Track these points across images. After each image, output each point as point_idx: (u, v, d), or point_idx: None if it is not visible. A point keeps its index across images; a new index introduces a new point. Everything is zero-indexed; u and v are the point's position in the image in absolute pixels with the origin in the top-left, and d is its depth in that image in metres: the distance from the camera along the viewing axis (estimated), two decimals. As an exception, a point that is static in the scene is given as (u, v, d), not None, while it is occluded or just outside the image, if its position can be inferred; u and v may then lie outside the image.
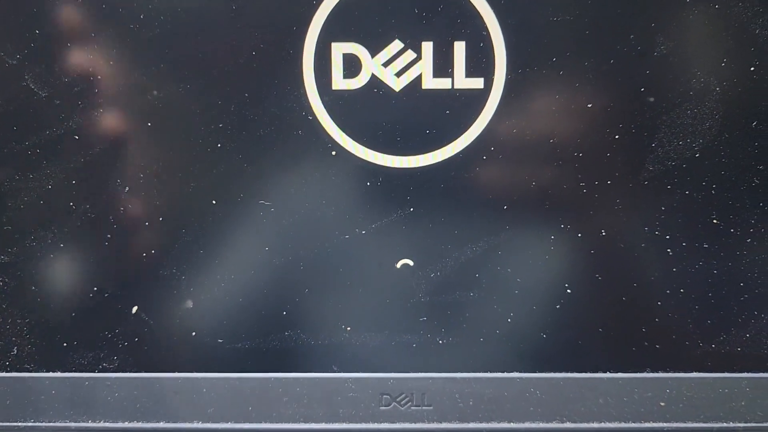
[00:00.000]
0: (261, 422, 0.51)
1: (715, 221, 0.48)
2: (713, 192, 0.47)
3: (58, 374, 0.51)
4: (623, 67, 0.46)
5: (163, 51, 0.47)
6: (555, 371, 0.50)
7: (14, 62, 0.47)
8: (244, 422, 0.51)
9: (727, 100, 0.46)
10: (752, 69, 0.46)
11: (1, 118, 0.48)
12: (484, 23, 0.45)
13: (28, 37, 0.47)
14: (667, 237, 0.48)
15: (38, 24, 0.47)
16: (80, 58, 0.47)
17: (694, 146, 0.47)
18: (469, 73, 0.46)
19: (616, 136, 0.47)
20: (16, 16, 0.47)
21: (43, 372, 0.51)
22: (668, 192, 0.48)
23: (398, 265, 0.49)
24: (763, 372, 0.50)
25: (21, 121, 0.48)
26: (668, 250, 0.48)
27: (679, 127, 0.47)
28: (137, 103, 0.47)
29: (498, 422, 0.51)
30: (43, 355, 0.51)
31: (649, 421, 0.50)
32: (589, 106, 0.46)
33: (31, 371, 0.51)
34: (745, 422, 0.50)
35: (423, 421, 0.51)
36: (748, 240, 0.48)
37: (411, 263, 0.49)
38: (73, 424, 0.51)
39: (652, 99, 0.46)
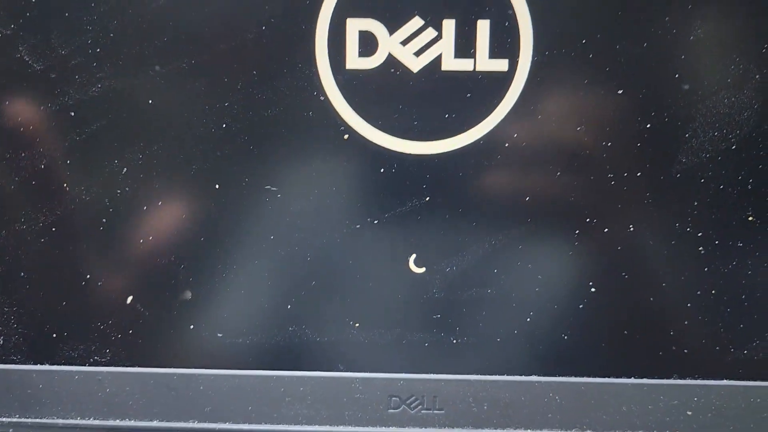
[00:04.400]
0: (261, 423, 0.52)
1: (751, 218, 0.49)
2: (750, 187, 0.48)
3: (47, 367, 0.52)
4: (657, 51, 0.46)
5: (167, 23, 0.47)
6: (576, 375, 0.51)
7: (8, 32, 0.47)
8: (243, 423, 0.52)
9: (767, 88, 0.47)
10: None
11: None
12: (510, 1, 0.46)
13: (24, 6, 0.47)
14: (699, 234, 0.49)
15: None
16: (79, 29, 0.47)
17: (731, 138, 0.47)
18: (493, 54, 0.47)
19: (648, 126, 0.47)
20: None
21: (30, 364, 0.52)
22: (702, 186, 0.48)
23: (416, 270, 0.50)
24: None
25: (14, 95, 0.48)
26: (700, 248, 0.49)
27: (715, 116, 0.47)
28: (138, 78, 0.48)
29: (514, 428, 0.52)
30: (31, 346, 0.52)
31: (675, 431, 0.51)
32: (620, 92, 0.47)
33: (17, 363, 0.52)
34: (778, 434, 0.51)
35: (434, 426, 0.52)
36: None
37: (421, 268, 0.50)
38: (60, 421, 0.53)
39: (686, 86, 0.47)
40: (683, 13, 0.46)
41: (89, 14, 0.47)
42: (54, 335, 0.52)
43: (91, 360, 0.52)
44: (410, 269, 0.50)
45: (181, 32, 0.47)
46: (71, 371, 0.52)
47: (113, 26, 0.47)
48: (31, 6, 0.47)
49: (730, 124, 0.47)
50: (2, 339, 0.52)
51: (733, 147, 0.48)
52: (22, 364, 0.52)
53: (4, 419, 0.53)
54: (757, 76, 0.47)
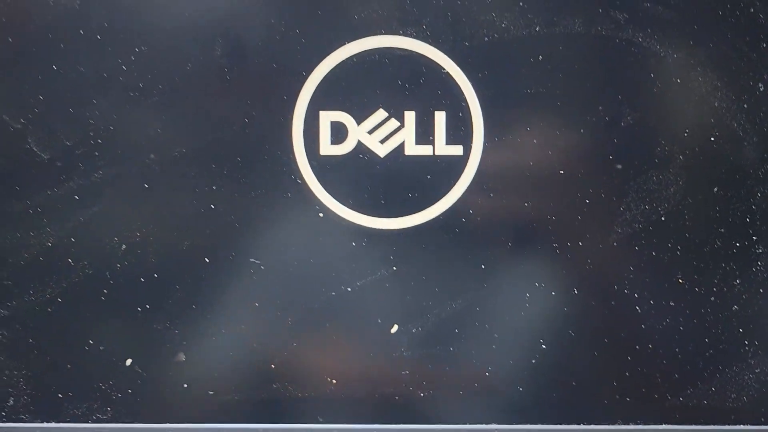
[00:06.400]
0: None
1: (680, 281, 0.52)
2: (678, 253, 0.52)
3: (53, 425, 0.54)
4: (593, 136, 0.51)
5: (160, 117, 0.51)
6: (531, 423, 0.53)
7: (18, 126, 0.51)
8: None
9: (690, 167, 0.51)
10: (712, 139, 0.50)
11: (5, 178, 0.51)
12: (463, 94, 0.50)
13: (32, 103, 0.50)
14: (636, 295, 0.52)
15: (41, 91, 0.50)
16: (82, 123, 0.51)
17: (660, 210, 0.51)
18: (449, 140, 0.51)
19: (587, 201, 0.51)
20: (21, 83, 0.51)
21: (38, 422, 0.54)
22: (636, 253, 0.52)
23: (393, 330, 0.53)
24: (729, 424, 0.53)
25: (23, 181, 0.51)
26: (637, 307, 0.52)
27: (645, 192, 0.51)
28: (135, 166, 0.51)
29: None
30: (39, 405, 0.54)
31: None
32: (561, 172, 0.51)
33: (26, 421, 0.54)
34: (713, 473, 0.54)
35: None
36: (712, 298, 0.52)
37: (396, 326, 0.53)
38: None
39: (619, 166, 0.51)
40: (614, 104, 0.50)
41: (91, 110, 0.50)
42: (59, 395, 0.53)
43: (94, 417, 0.53)
44: (380, 330, 0.53)
45: (172, 125, 0.51)
46: (75, 428, 0.53)
47: (113, 120, 0.51)
48: (39, 103, 0.50)
49: (658, 198, 0.51)
50: (12, 400, 0.53)
51: (662, 218, 0.51)
52: (29, 422, 0.53)
53: (13, 474, 0.55)
54: (680, 157, 0.51)
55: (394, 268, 0.53)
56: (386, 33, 0.51)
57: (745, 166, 0.51)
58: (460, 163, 0.51)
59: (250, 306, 0.53)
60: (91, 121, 0.51)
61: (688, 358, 0.53)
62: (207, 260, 0.53)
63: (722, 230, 0.52)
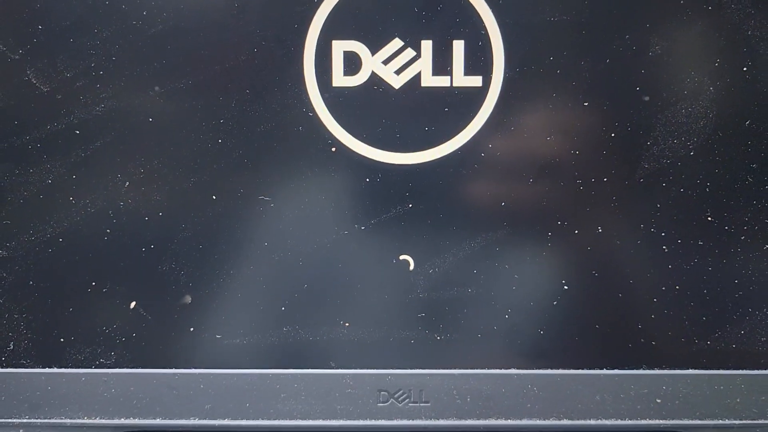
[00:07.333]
0: (258, 419, 0.55)
1: (709, 218, 0.53)
2: (708, 190, 0.52)
3: (55, 370, 0.55)
4: (619, 66, 0.51)
5: (165, 47, 0.51)
6: (552, 368, 0.55)
7: (17, 57, 0.51)
8: (241, 419, 0.55)
9: (721, 99, 0.51)
10: (745, 69, 0.50)
11: (3, 112, 0.52)
12: (483, 22, 0.50)
13: (31, 33, 0.51)
14: (663, 234, 0.53)
15: (41, 19, 0.50)
16: (83, 53, 0.51)
17: (689, 144, 0.52)
18: (468, 71, 0.51)
19: (612, 134, 0.52)
20: (20, 12, 0.50)
21: (39, 368, 0.55)
22: (663, 190, 0.52)
23: (399, 258, 0.53)
24: (758, 369, 0.54)
25: (22, 115, 0.52)
26: (663, 247, 0.53)
27: (674, 125, 0.51)
28: (139, 98, 0.51)
29: (495, 419, 0.55)
30: (40, 350, 0.55)
31: (645, 418, 0.55)
32: (586, 104, 0.51)
33: (27, 367, 0.55)
34: (741, 419, 0.55)
35: (420, 418, 0.55)
36: (742, 237, 0.53)
37: (410, 260, 0.54)
38: (68, 421, 0.55)
39: (647, 98, 0.51)
40: (642, 31, 0.50)
41: (92, 40, 0.51)
42: (61, 340, 0.55)
43: (97, 362, 0.55)
44: (395, 271, 0.53)
45: (178, 55, 0.51)
46: (78, 373, 0.55)
47: (115, 50, 0.51)
48: (38, 32, 0.50)
49: (687, 132, 0.51)
50: (12, 344, 0.55)
51: (691, 153, 0.52)
52: (31, 367, 0.55)
53: (14, 420, 0.55)
54: (711, 89, 0.51)
55: (410, 205, 0.53)
56: (402, -42, 0.50)
57: (779, 97, 0.51)
58: (479, 95, 0.51)
59: (259, 246, 0.54)
60: (93, 52, 0.51)
61: (717, 300, 0.54)
62: (214, 197, 0.53)
63: (754, 165, 0.52)
